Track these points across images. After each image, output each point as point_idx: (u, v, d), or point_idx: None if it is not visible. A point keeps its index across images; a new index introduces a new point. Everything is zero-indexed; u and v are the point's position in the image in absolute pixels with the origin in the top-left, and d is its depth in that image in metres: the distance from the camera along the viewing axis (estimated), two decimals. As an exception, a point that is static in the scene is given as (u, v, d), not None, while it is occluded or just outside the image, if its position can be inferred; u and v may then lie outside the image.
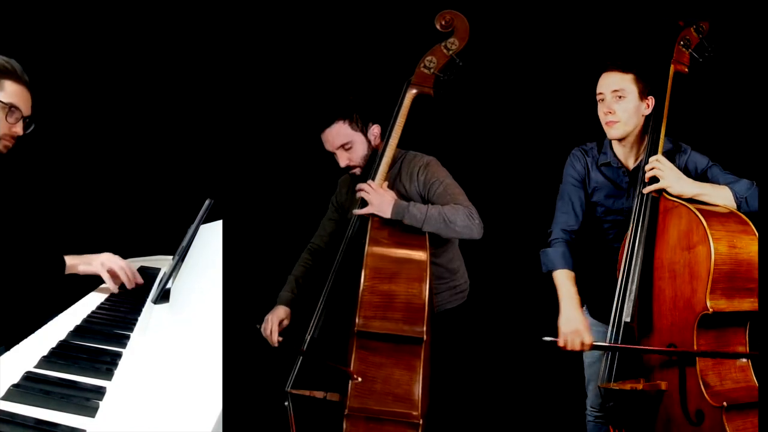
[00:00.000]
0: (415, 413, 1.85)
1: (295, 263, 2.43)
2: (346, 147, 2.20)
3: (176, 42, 3.05)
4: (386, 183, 2.15)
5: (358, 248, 2.09)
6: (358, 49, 2.98)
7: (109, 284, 2.05)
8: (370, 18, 2.96)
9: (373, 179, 2.15)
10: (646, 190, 1.98)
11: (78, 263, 2.01)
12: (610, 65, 2.07)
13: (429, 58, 2.13)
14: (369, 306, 1.91)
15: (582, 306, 2.35)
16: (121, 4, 3.01)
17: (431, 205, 2.08)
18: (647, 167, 1.98)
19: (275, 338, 2.24)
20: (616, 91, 2.03)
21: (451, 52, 2.11)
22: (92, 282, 2.08)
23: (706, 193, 1.93)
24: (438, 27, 2.10)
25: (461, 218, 2.04)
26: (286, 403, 2.12)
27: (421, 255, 1.98)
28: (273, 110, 3.07)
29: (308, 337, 2.14)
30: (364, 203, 2.12)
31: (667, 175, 1.95)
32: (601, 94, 2.06)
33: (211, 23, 3.01)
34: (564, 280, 2.08)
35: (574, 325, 1.99)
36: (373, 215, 2.08)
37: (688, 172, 2.03)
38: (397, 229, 2.05)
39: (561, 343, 1.99)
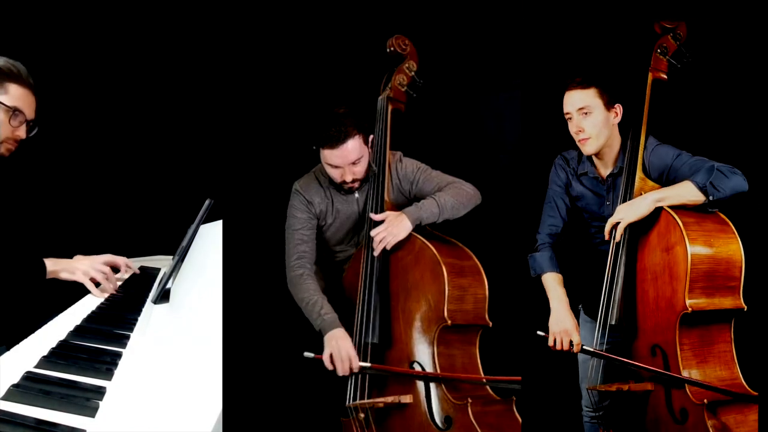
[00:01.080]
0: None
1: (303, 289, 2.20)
2: (356, 162, 2.11)
3: (176, 43, 3.05)
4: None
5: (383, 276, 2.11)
6: (357, 56, 2.97)
7: (94, 292, 1.98)
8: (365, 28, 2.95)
9: (378, 210, 2.13)
10: (617, 238, 1.98)
11: (60, 270, 1.96)
12: (570, 84, 2.04)
13: (399, 77, 2.26)
14: (453, 300, 2.03)
15: (578, 305, 2.37)
16: (121, 6, 3.01)
17: (432, 197, 2.09)
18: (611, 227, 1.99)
19: (357, 364, 2.01)
20: (581, 108, 2.01)
21: (412, 72, 2.25)
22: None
23: (667, 196, 1.91)
24: (397, 50, 2.24)
25: (465, 192, 2.10)
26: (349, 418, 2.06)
27: (468, 252, 2.13)
28: (273, 110, 3.06)
29: (368, 342, 2.07)
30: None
31: (623, 215, 1.95)
32: (568, 113, 2.05)
33: (212, 24, 3.00)
34: (553, 283, 2.13)
35: (563, 325, 2.04)
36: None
37: (653, 166, 2.01)
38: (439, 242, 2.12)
39: (551, 342, 2.05)
